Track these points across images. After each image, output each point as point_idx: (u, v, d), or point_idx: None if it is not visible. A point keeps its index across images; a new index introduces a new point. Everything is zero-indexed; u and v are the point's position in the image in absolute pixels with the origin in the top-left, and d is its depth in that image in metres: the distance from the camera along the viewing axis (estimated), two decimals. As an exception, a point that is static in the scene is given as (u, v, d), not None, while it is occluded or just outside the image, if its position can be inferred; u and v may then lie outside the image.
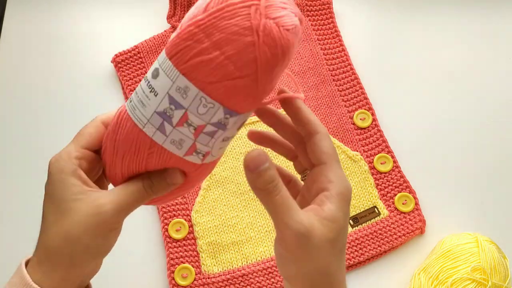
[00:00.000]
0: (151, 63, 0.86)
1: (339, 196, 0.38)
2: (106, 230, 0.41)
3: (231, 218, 0.76)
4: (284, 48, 0.36)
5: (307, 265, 0.37)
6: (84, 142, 0.43)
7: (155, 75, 0.38)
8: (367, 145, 0.80)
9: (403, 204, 0.76)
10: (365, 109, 0.82)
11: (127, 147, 0.40)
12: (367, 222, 0.75)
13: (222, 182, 0.77)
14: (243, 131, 0.80)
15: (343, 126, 0.81)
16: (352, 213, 0.76)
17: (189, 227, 0.75)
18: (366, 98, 0.82)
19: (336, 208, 0.38)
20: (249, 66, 0.35)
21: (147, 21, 0.90)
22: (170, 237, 0.74)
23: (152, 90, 0.38)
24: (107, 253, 0.43)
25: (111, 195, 0.41)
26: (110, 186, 0.45)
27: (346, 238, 0.39)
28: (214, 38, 0.35)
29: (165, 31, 0.88)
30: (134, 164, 0.41)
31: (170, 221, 0.75)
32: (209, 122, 0.38)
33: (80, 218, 0.40)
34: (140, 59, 0.86)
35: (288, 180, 0.46)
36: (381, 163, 0.78)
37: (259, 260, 0.73)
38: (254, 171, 0.37)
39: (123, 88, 0.85)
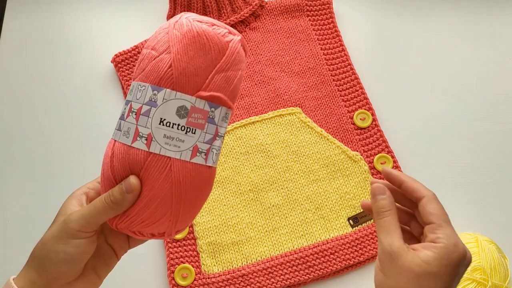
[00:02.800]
0: (151, 63, 0.86)
1: (443, 250, 0.44)
2: (67, 237, 0.44)
3: (231, 218, 0.76)
4: (195, 32, 0.44)
5: (388, 281, 0.44)
6: (98, 179, 0.50)
7: None
8: (367, 145, 0.80)
9: (403, 204, 0.76)
10: (365, 109, 0.82)
11: (107, 158, 0.47)
12: (367, 222, 0.75)
13: (222, 182, 0.77)
14: (241, 132, 0.80)
15: (343, 126, 0.81)
16: (352, 213, 0.76)
17: (189, 227, 0.75)
18: (366, 98, 0.82)
19: (434, 255, 0.43)
20: (164, 45, 0.45)
21: (147, 21, 0.90)
22: (170, 237, 0.74)
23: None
24: (71, 264, 0.45)
25: (81, 208, 0.46)
26: None
27: (442, 286, 0.43)
28: (148, 45, 0.46)
29: (165, 31, 0.88)
30: (118, 169, 0.45)
31: (170, 221, 0.75)
32: (144, 102, 0.44)
33: (54, 228, 0.46)
34: (140, 59, 0.86)
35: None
36: (381, 163, 0.78)
37: (259, 260, 0.73)
38: (374, 197, 0.48)
39: (123, 88, 0.85)
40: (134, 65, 0.85)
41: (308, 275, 0.72)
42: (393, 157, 0.78)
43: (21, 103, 0.86)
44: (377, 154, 0.79)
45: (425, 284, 0.43)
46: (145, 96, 0.44)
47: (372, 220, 0.75)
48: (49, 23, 0.92)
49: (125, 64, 0.85)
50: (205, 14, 0.86)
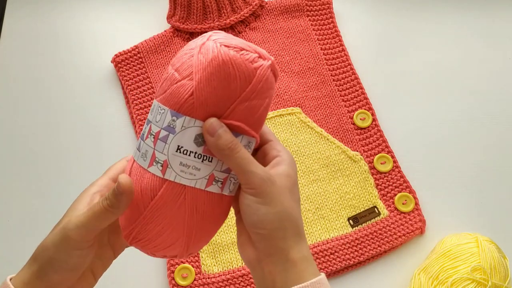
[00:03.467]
0: (151, 63, 0.86)
1: (289, 160, 0.45)
2: (69, 248, 0.43)
3: (231, 218, 0.76)
4: (221, 60, 0.41)
5: (274, 208, 0.42)
6: (111, 175, 0.49)
7: None
8: (367, 145, 0.80)
9: (403, 204, 0.76)
10: (365, 109, 0.82)
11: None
12: (367, 222, 0.75)
13: (222, 182, 0.77)
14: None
15: (343, 126, 0.81)
16: (352, 213, 0.76)
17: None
18: (366, 98, 0.82)
19: (288, 167, 0.45)
20: (188, 70, 0.42)
21: (147, 21, 0.90)
22: (170, 237, 0.74)
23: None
24: (74, 273, 0.45)
25: (79, 214, 0.44)
26: None
27: (299, 193, 0.46)
28: (173, 63, 0.44)
29: (165, 31, 0.88)
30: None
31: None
32: (162, 127, 0.43)
33: (55, 232, 0.44)
34: (140, 59, 0.86)
35: None
36: (381, 163, 0.78)
37: (259, 260, 0.73)
38: (214, 134, 0.42)
39: (123, 88, 0.85)
40: (134, 65, 0.85)
41: (308, 275, 0.72)
42: (393, 157, 0.78)
43: (21, 103, 0.86)
44: (377, 154, 0.79)
45: (294, 196, 0.44)
46: (164, 120, 0.43)
47: (372, 220, 0.75)
48: (49, 23, 0.92)
49: (125, 64, 0.85)
50: (205, 14, 0.86)
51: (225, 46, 0.42)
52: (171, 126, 0.42)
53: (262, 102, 0.44)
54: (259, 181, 0.42)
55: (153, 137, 0.43)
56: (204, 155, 0.43)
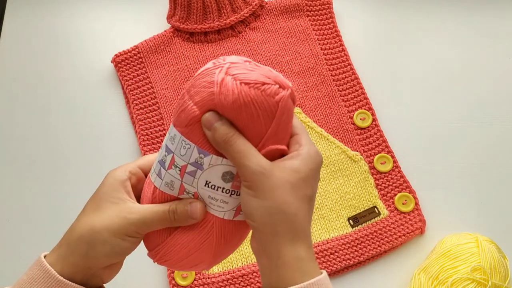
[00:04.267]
0: (151, 63, 0.86)
1: (306, 155, 0.43)
2: (126, 234, 0.45)
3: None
4: (242, 102, 0.41)
5: (265, 202, 0.42)
6: (141, 163, 0.49)
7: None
8: (367, 145, 0.80)
9: (403, 204, 0.76)
10: (365, 109, 0.82)
11: (147, 201, 0.47)
12: (367, 222, 0.75)
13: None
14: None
15: (343, 126, 0.81)
16: (352, 213, 0.76)
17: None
18: (366, 98, 0.82)
19: (300, 162, 0.43)
20: (210, 110, 0.42)
21: (147, 21, 0.90)
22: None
23: (161, 147, 0.46)
24: (120, 256, 0.47)
25: (141, 209, 0.46)
26: None
27: (312, 191, 0.44)
28: (191, 93, 0.43)
29: (165, 31, 0.88)
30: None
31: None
32: (189, 162, 0.43)
33: (109, 217, 0.45)
34: (140, 59, 0.86)
35: None
36: (381, 163, 0.78)
37: (259, 260, 0.73)
38: (211, 127, 0.42)
39: (123, 88, 0.85)
40: (134, 65, 0.85)
41: (308, 275, 0.72)
42: (393, 157, 0.78)
43: (21, 103, 0.86)
44: (377, 154, 0.79)
45: (299, 191, 0.42)
46: (190, 156, 0.43)
47: (372, 220, 0.75)
48: (49, 23, 0.92)
49: (125, 64, 0.85)
50: (205, 14, 0.86)
51: (245, 84, 0.42)
52: (199, 162, 0.43)
53: (286, 133, 0.44)
54: (250, 174, 0.42)
55: (179, 170, 0.44)
56: (232, 190, 0.44)
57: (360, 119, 0.81)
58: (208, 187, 0.43)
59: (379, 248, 0.73)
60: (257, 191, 0.42)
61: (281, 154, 0.44)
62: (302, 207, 0.43)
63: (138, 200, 0.48)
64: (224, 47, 0.87)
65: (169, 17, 0.88)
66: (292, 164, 0.43)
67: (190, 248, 0.45)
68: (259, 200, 0.42)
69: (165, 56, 0.86)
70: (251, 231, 0.45)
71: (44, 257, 0.47)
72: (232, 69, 0.43)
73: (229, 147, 0.42)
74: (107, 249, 0.45)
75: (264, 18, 0.89)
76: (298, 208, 0.43)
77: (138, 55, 0.86)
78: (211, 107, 0.42)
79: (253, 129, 0.42)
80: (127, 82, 0.84)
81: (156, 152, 0.80)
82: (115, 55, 0.86)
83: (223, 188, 0.44)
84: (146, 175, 0.49)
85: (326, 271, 0.72)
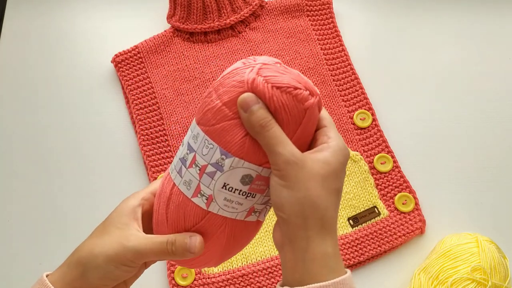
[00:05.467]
0: (151, 63, 0.86)
1: (336, 147, 0.43)
2: (120, 262, 0.45)
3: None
4: (273, 107, 0.41)
5: (297, 193, 0.41)
6: (153, 189, 0.49)
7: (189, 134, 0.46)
8: (367, 145, 0.80)
9: (403, 204, 0.76)
10: (365, 109, 0.82)
11: (164, 197, 0.46)
12: (367, 222, 0.75)
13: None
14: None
15: (343, 126, 0.81)
16: (352, 213, 0.76)
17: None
18: (366, 98, 0.82)
19: (330, 155, 0.42)
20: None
21: (147, 21, 0.90)
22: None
23: (182, 144, 0.46)
24: (115, 282, 0.47)
25: (141, 238, 0.45)
26: None
27: (340, 184, 0.43)
28: (219, 92, 0.43)
29: (165, 31, 0.88)
30: (172, 214, 0.46)
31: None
32: (209, 162, 0.43)
33: (109, 242, 0.45)
34: (140, 59, 0.86)
35: None
36: (381, 163, 0.78)
37: (259, 260, 0.73)
38: (248, 110, 0.41)
39: (123, 88, 0.85)
40: (134, 65, 0.85)
41: (308, 275, 0.72)
42: (393, 157, 0.78)
43: (21, 103, 0.86)
44: (377, 154, 0.79)
45: (329, 184, 0.42)
46: (212, 156, 0.43)
47: (372, 220, 0.75)
48: (49, 23, 0.92)
49: (125, 64, 0.85)
50: (205, 14, 0.86)
51: (277, 88, 0.41)
52: (220, 164, 0.42)
53: (308, 139, 0.44)
54: (283, 163, 0.41)
55: (199, 169, 0.43)
56: (248, 193, 0.43)
57: (360, 119, 0.81)
58: (226, 189, 0.43)
59: (379, 248, 0.73)
60: (290, 181, 0.41)
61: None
62: (331, 200, 0.42)
63: (150, 227, 0.48)
64: (224, 47, 0.87)
65: (169, 17, 0.88)
66: (323, 156, 0.42)
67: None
68: (291, 191, 0.41)
69: (165, 56, 0.86)
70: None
71: (47, 276, 0.47)
72: (264, 70, 0.42)
73: (265, 132, 0.41)
74: (100, 274, 0.45)
75: (264, 18, 0.89)
76: (329, 201, 0.42)
77: (138, 55, 0.86)
78: None
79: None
80: (127, 82, 0.84)
81: (155, 151, 0.80)
82: (115, 55, 0.86)
83: (240, 191, 0.43)
84: None
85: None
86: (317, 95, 0.43)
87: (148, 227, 0.48)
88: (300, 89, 0.42)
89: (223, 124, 0.42)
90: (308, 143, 0.44)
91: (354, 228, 0.75)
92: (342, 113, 0.82)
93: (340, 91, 0.83)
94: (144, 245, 0.45)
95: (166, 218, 0.46)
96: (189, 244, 0.44)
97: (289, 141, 0.41)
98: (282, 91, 0.41)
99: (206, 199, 0.44)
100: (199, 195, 0.44)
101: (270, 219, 0.76)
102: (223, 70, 0.85)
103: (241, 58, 0.85)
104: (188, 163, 0.44)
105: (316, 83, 0.84)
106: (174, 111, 0.82)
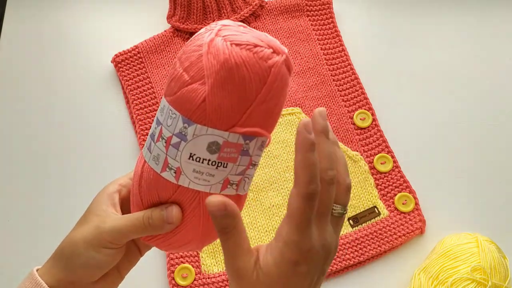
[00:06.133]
0: (151, 63, 0.86)
1: (284, 249, 0.39)
2: (99, 245, 0.44)
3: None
4: (233, 63, 0.38)
5: None
6: (132, 175, 0.48)
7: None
8: (367, 145, 0.80)
9: (403, 204, 0.76)
10: (365, 109, 0.82)
11: (136, 176, 0.45)
12: (367, 222, 0.75)
13: (222, 182, 0.77)
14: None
15: (343, 126, 0.81)
16: (352, 213, 0.76)
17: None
18: (366, 98, 0.82)
19: (272, 260, 0.39)
20: (198, 73, 0.39)
21: (147, 21, 0.90)
22: (170, 237, 0.74)
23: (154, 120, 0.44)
24: (98, 270, 0.46)
25: (116, 217, 0.45)
26: None
27: (299, 281, 0.39)
28: (181, 59, 0.41)
29: (165, 31, 0.88)
30: (145, 192, 0.44)
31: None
32: (173, 132, 0.41)
33: (87, 229, 0.45)
34: (140, 59, 0.86)
35: None
36: (381, 163, 0.78)
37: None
38: (218, 214, 0.39)
39: (123, 88, 0.85)
40: (134, 65, 0.85)
41: (308, 275, 0.72)
42: (393, 157, 0.78)
43: (21, 103, 0.86)
44: (377, 154, 0.79)
45: (290, 280, 0.39)
46: (175, 126, 0.40)
47: (372, 220, 0.75)
48: (49, 23, 0.92)
49: (125, 64, 0.85)
50: (205, 14, 0.86)
51: (236, 44, 0.39)
52: (183, 133, 0.40)
53: (277, 102, 0.41)
54: (234, 273, 0.40)
55: (165, 142, 0.41)
56: (218, 162, 0.41)
57: (360, 119, 0.81)
58: (193, 159, 0.40)
59: (379, 248, 0.73)
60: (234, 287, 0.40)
61: (262, 142, 0.42)
62: None
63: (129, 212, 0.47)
64: (224, 47, 0.87)
65: (169, 17, 0.88)
66: (265, 262, 0.39)
67: (176, 228, 0.44)
68: None
69: (165, 56, 0.86)
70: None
71: (37, 270, 0.47)
72: (223, 31, 0.40)
73: (225, 241, 0.40)
74: (82, 261, 0.45)
75: (264, 18, 0.89)
76: None
77: (138, 55, 0.86)
78: (199, 70, 0.39)
79: (243, 93, 0.39)
80: (127, 82, 0.84)
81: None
82: (115, 55, 0.86)
83: (209, 160, 0.40)
84: None
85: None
86: (283, 54, 0.40)
87: (127, 213, 0.47)
88: (262, 46, 0.39)
89: (183, 90, 0.40)
90: (276, 119, 0.42)
91: (354, 228, 0.75)
92: (342, 113, 0.82)
93: (340, 91, 0.83)
94: (120, 224, 0.44)
95: (140, 197, 0.44)
96: (166, 214, 0.42)
97: (241, 252, 0.40)
98: (241, 48, 0.39)
99: (175, 172, 0.41)
100: (167, 169, 0.41)
101: (270, 218, 0.76)
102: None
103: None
104: (156, 137, 0.42)
105: (316, 83, 0.84)
106: (174, 111, 0.82)
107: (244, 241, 0.40)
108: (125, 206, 0.48)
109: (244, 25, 0.42)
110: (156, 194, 0.43)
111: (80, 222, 0.47)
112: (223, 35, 0.40)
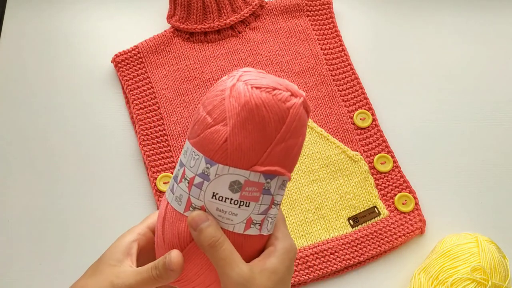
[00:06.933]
0: (151, 63, 0.86)
1: (283, 251, 0.43)
2: None
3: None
4: (253, 104, 0.41)
5: None
6: (150, 223, 0.49)
7: None
8: (367, 145, 0.80)
9: (403, 204, 0.76)
10: (365, 109, 0.82)
11: (160, 217, 0.45)
12: (367, 222, 0.75)
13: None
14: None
15: (343, 126, 0.81)
16: (352, 213, 0.76)
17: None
18: (366, 98, 0.82)
19: (278, 261, 0.43)
20: (221, 115, 0.42)
21: (147, 21, 0.90)
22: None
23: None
24: None
25: (130, 273, 0.44)
26: None
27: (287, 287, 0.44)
28: (205, 104, 0.43)
29: (165, 31, 0.88)
30: (163, 236, 0.45)
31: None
32: (196, 173, 0.42)
33: (101, 281, 0.44)
34: (140, 59, 0.86)
35: None
36: (381, 163, 0.78)
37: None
38: (196, 228, 0.41)
39: (123, 88, 0.85)
40: (134, 65, 0.85)
41: (308, 275, 0.72)
42: (393, 157, 0.79)
43: (21, 103, 0.86)
44: (377, 154, 0.79)
45: None
46: (198, 166, 0.42)
47: (372, 220, 0.75)
48: (49, 23, 0.92)
49: (125, 64, 0.85)
50: (205, 14, 0.86)
51: (256, 88, 0.41)
52: (205, 173, 0.42)
53: (297, 141, 0.43)
54: (231, 285, 0.41)
55: (188, 182, 0.43)
56: (241, 201, 0.42)
57: (360, 119, 0.81)
58: (216, 198, 0.42)
59: (379, 248, 0.73)
60: None
61: (282, 181, 0.43)
62: None
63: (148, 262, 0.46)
64: (224, 47, 0.87)
65: (169, 17, 0.88)
66: (271, 264, 0.42)
67: (200, 267, 0.44)
68: None
69: (165, 56, 0.86)
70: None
71: None
72: (244, 76, 0.43)
73: (214, 252, 0.41)
74: None
75: (264, 18, 0.89)
76: None
77: (138, 55, 0.86)
78: (223, 114, 0.41)
79: (263, 133, 0.41)
80: (127, 82, 0.84)
81: (155, 151, 0.80)
82: (115, 55, 0.86)
83: (231, 199, 0.42)
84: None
85: (326, 271, 0.72)
86: (301, 96, 0.43)
87: (146, 263, 0.46)
88: (280, 89, 0.42)
89: (206, 132, 0.42)
90: (296, 161, 0.44)
91: (354, 228, 0.75)
92: (342, 113, 0.82)
93: (340, 91, 0.83)
94: (133, 279, 0.43)
95: (163, 239, 0.45)
96: (168, 262, 0.42)
97: (239, 259, 0.42)
98: (261, 90, 0.41)
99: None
100: (191, 208, 0.43)
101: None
102: (223, 70, 0.85)
103: (241, 58, 0.86)
104: (179, 178, 0.44)
105: (316, 83, 0.84)
106: (174, 111, 0.82)
107: (232, 246, 0.42)
108: (144, 256, 0.47)
109: (264, 71, 0.44)
110: (177, 234, 0.44)
111: (93, 270, 0.46)
112: (244, 80, 0.42)
